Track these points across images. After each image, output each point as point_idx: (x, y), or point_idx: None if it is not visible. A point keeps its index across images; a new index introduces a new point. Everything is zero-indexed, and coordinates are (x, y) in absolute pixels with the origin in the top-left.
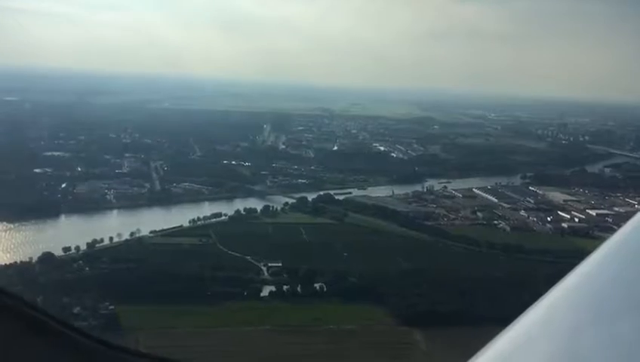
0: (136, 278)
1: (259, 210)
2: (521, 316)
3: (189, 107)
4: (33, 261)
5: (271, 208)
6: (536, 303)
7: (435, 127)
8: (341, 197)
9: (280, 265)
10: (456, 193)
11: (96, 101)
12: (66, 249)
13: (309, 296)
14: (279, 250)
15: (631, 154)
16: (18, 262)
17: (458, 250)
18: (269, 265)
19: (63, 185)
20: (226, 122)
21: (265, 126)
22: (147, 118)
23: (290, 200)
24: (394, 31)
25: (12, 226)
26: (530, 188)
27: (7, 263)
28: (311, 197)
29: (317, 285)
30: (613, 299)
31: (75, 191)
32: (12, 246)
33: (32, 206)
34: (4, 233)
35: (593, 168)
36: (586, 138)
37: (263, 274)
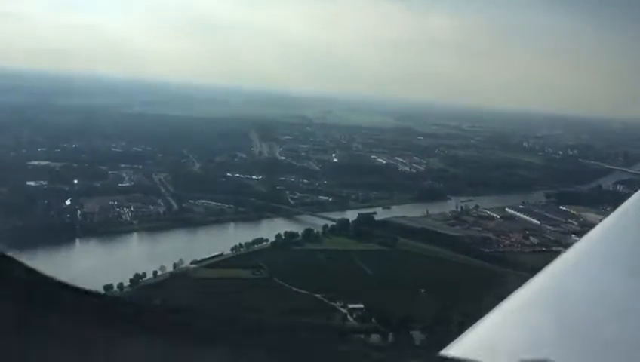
0: None
1: (300, 234)
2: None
3: (162, 112)
4: None
5: (312, 232)
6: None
7: (420, 138)
8: (378, 217)
9: (362, 307)
10: (491, 213)
11: (62, 103)
12: (108, 287)
13: (417, 349)
14: (348, 286)
15: (630, 170)
16: None
17: None
18: (350, 306)
19: (68, 202)
20: (209, 129)
21: (250, 134)
22: (124, 124)
23: (329, 223)
24: (359, 40)
25: (19, 254)
26: (560, 207)
27: None
28: (338, 216)
29: (415, 333)
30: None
31: (83, 209)
32: None
33: (38, 227)
34: None
35: (606, 185)
36: (575, 152)
37: (348, 319)
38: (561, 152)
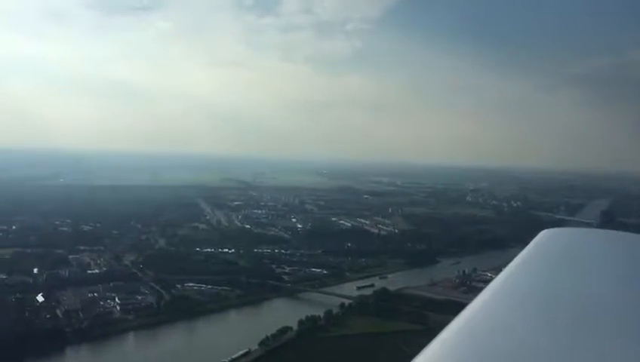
0: None
1: (322, 318)
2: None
3: (88, 183)
4: None
5: (332, 313)
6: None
7: (366, 196)
8: (379, 286)
9: None
10: (492, 275)
11: None
12: None
13: None
14: None
15: (581, 220)
16: None
17: None
18: None
19: (40, 298)
20: (149, 199)
21: (198, 201)
22: (56, 198)
23: (344, 301)
24: (274, 102)
25: None
26: None
27: None
28: (338, 289)
29: None
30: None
31: (63, 306)
32: None
33: (18, 333)
34: None
35: None
36: (519, 204)
37: None
38: (505, 204)
